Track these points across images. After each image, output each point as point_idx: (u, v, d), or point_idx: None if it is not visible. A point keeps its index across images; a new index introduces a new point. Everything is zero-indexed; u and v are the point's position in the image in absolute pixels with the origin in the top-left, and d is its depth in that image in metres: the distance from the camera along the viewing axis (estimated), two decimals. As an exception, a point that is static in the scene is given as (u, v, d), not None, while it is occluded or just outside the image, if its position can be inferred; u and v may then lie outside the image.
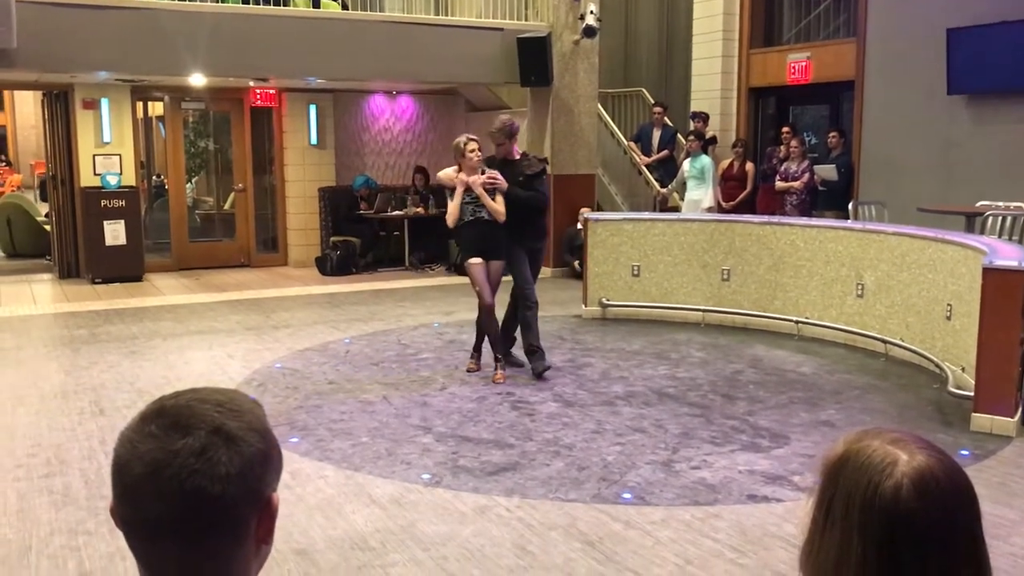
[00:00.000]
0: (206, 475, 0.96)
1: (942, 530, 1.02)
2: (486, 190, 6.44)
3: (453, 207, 6.58)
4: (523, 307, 6.68)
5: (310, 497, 4.36)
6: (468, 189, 6.47)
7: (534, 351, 6.57)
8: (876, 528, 1.02)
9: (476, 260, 6.57)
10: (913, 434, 1.10)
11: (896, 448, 1.06)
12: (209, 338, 7.90)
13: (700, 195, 10.43)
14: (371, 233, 12.17)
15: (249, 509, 0.99)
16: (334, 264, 11.64)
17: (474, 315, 6.89)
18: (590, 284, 8.74)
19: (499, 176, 6.46)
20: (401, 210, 12.13)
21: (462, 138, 6.60)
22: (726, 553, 3.77)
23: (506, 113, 6.87)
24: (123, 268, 10.98)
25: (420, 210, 12.11)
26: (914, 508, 1.01)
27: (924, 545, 1.01)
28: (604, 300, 8.68)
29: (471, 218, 6.53)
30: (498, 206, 6.45)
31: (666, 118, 11.93)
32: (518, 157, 6.78)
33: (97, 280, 10.91)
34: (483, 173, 6.47)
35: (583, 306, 8.82)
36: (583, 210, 10.76)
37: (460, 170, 6.53)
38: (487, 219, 6.49)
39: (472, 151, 6.46)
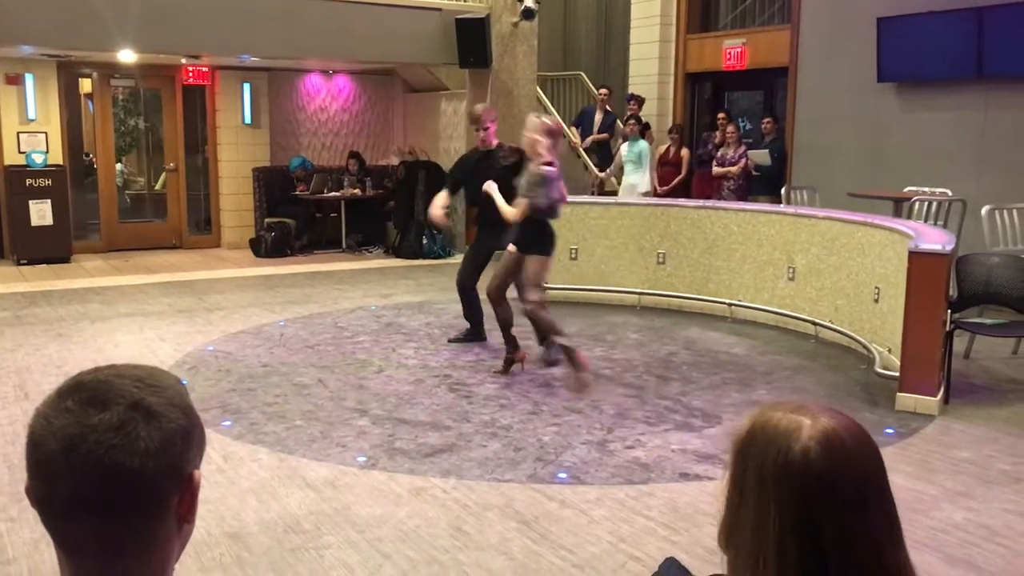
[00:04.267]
0: (124, 450, 0.93)
1: (853, 485, 1.05)
2: None
3: None
4: None
5: (243, 480, 4.31)
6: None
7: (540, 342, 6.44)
8: (790, 493, 1.05)
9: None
10: (813, 402, 1.14)
11: (799, 415, 1.09)
12: (139, 321, 7.74)
13: (637, 179, 10.51)
14: (307, 214, 12.01)
15: (169, 486, 0.97)
16: (269, 246, 11.48)
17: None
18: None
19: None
20: (338, 191, 11.99)
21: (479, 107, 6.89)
22: (659, 531, 3.83)
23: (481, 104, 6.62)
24: (49, 249, 10.68)
25: (357, 191, 11.99)
26: (823, 467, 1.04)
27: (837, 502, 1.04)
28: (542, 283, 8.68)
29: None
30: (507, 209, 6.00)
31: (607, 104, 12.00)
32: (494, 146, 6.74)
33: (22, 261, 10.59)
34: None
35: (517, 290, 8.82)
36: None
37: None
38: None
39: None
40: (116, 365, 1.02)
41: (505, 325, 6.24)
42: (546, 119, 6.01)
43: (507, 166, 6.42)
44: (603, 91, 12.00)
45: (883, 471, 1.09)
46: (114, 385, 0.97)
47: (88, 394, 0.96)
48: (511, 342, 6.25)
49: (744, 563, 1.08)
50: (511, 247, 6.09)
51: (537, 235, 6.00)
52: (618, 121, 12.01)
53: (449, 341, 7.00)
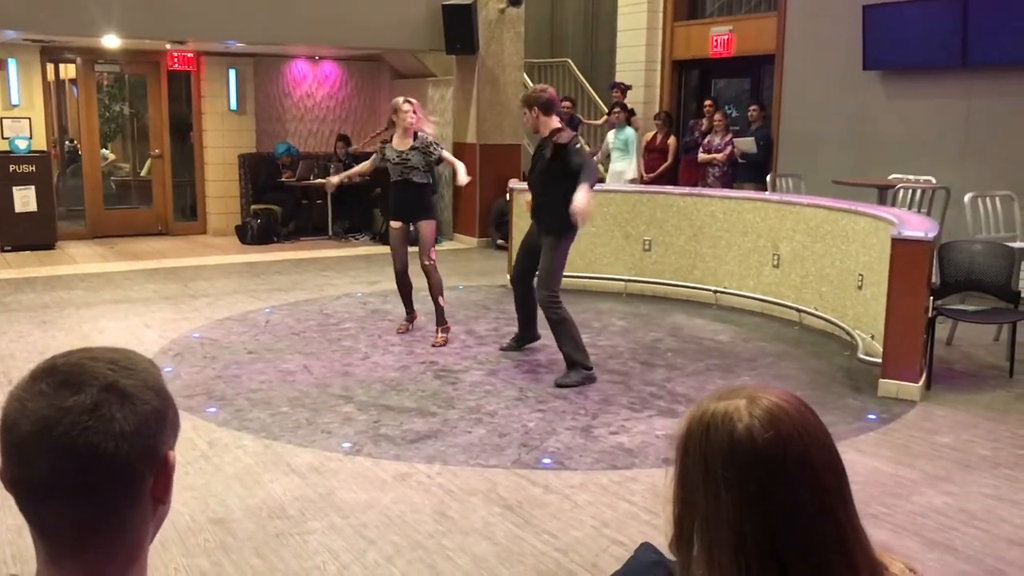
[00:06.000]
0: (99, 432, 0.94)
1: (801, 454, 1.06)
2: None
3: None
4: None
5: (228, 467, 4.31)
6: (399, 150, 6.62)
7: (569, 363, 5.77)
8: (741, 474, 1.04)
9: (395, 224, 6.76)
10: (743, 386, 1.14)
11: (735, 398, 1.09)
12: (124, 307, 7.71)
13: (624, 166, 10.51)
14: (293, 201, 11.97)
15: (145, 467, 0.98)
16: (255, 233, 11.44)
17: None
18: (515, 254, 8.75)
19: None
20: (324, 178, 11.93)
21: (399, 99, 6.72)
22: (641, 515, 3.86)
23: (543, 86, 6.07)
24: (34, 236, 10.61)
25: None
26: (770, 438, 1.05)
27: (788, 474, 1.04)
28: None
29: (398, 178, 6.64)
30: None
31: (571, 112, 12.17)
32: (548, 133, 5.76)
33: (7, 248, 10.53)
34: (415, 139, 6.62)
35: (508, 275, 8.83)
36: (511, 181, 10.75)
37: (387, 129, 6.71)
38: (415, 181, 6.61)
39: (407, 111, 6.56)
40: (89, 348, 1.02)
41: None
42: (400, 99, 6.64)
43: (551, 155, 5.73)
44: (566, 104, 12.13)
45: (828, 438, 1.10)
46: (88, 367, 0.97)
47: (62, 377, 0.96)
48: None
49: (699, 557, 1.08)
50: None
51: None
52: (579, 116, 12.26)
53: (501, 350, 6.47)
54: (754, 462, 1.04)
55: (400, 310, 7.08)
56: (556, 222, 5.66)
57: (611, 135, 10.65)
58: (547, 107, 5.74)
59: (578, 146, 5.73)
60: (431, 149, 6.60)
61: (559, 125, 5.79)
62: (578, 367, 5.71)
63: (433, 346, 6.54)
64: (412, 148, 6.57)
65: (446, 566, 3.42)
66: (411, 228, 6.74)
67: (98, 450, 0.94)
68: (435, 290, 6.66)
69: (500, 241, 10.62)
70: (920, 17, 8.89)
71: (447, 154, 6.80)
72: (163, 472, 1.01)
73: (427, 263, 6.63)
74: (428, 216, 6.71)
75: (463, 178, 6.63)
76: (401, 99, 6.65)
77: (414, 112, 6.56)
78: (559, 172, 5.60)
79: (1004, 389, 5.74)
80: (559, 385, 5.61)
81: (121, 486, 0.97)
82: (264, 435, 4.74)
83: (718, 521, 1.05)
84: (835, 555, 1.05)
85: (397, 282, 6.88)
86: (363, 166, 7.09)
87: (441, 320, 6.69)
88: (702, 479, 1.07)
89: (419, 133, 6.60)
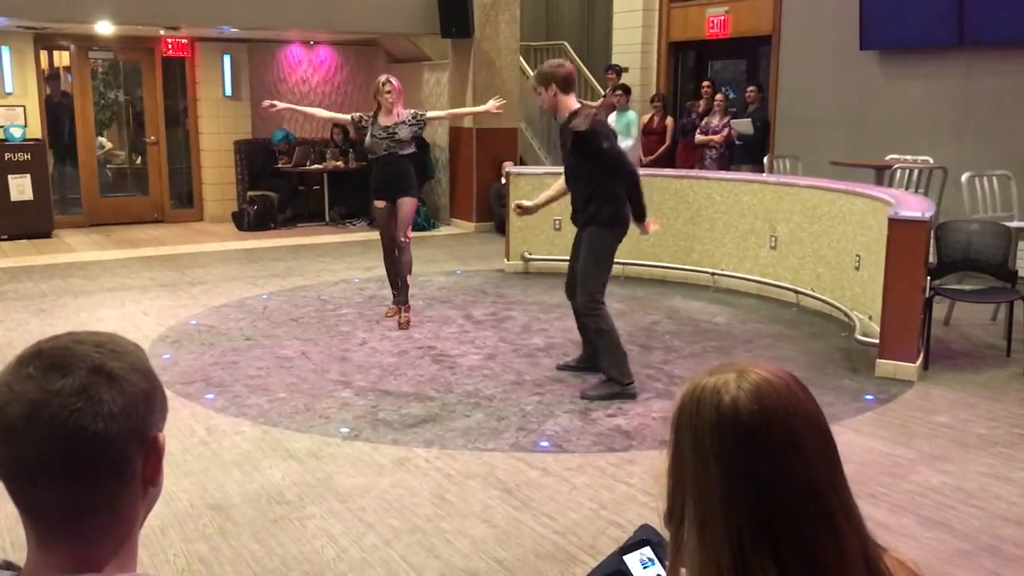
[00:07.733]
0: (88, 414, 0.94)
1: (786, 429, 1.06)
2: None
3: None
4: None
5: (226, 453, 4.32)
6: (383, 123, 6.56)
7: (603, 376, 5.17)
8: (728, 446, 1.05)
9: (379, 203, 6.75)
10: (737, 361, 1.14)
11: (724, 374, 1.10)
12: (122, 295, 7.71)
13: (625, 149, 10.47)
14: (289, 187, 11.95)
15: (134, 449, 0.98)
16: (251, 219, 11.41)
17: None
18: (512, 238, 8.75)
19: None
20: (320, 164, 11.92)
21: (381, 77, 6.70)
22: (639, 497, 3.87)
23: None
24: (30, 224, 10.59)
25: (340, 164, 11.92)
26: (755, 411, 1.05)
27: (773, 448, 1.04)
28: (526, 254, 8.71)
29: (383, 154, 6.63)
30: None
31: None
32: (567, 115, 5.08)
33: (3, 237, 10.51)
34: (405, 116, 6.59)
35: (505, 260, 8.84)
36: (505, 164, 10.74)
37: (378, 109, 6.63)
38: (401, 154, 6.57)
39: (388, 92, 6.52)
40: (75, 332, 1.02)
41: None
42: (382, 78, 6.60)
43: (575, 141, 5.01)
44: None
45: (818, 414, 1.10)
46: (74, 351, 0.97)
47: (49, 360, 0.96)
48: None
49: (690, 531, 1.08)
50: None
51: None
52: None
53: (558, 368, 5.64)
54: (738, 435, 1.05)
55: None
56: (593, 214, 5.07)
57: (612, 118, 10.60)
58: (566, 84, 5.01)
59: (602, 130, 5.02)
60: (418, 119, 6.59)
61: (577, 105, 5.08)
62: (613, 382, 5.10)
63: (400, 327, 6.57)
64: (399, 122, 6.55)
65: (444, 549, 3.43)
66: (395, 206, 6.63)
67: (87, 432, 0.94)
68: (405, 268, 6.66)
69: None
70: (917, -4, 8.85)
71: (433, 113, 6.71)
72: (153, 454, 1.01)
73: (403, 240, 6.60)
74: (410, 192, 6.67)
75: (489, 105, 6.74)
76: (383, 79, 6.63)
77: (394, 93, 6.52)
78: (585, 162, 5.00)
79: (1001, 368, 5.75)
80: (584, 397, 5.08)
81: (111, 468, 0.97)
82: (262, 421, 4.74)
83: (708, 494, 1.05)
84: (822, 530, 1.04)
85: (385, 261, 6.88)
86: (338, 116, 7.32)
87: (405, 299, 6.71)
88: (692, 452, 1.07)
89: (401, 109, 6.61)
